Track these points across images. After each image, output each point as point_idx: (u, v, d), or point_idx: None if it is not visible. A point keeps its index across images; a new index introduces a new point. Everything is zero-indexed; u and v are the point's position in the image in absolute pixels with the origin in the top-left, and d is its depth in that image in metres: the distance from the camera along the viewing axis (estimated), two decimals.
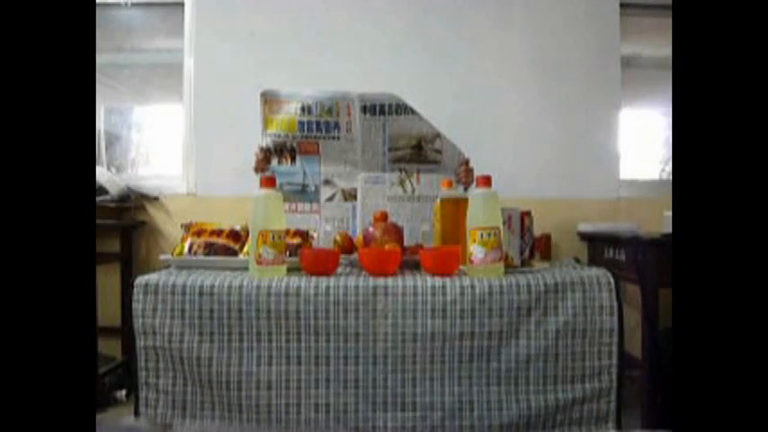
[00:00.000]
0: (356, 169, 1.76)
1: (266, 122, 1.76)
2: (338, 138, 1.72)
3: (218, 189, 2.35)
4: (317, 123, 1.71)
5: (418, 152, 1.76)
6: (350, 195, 1.76)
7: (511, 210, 1.36)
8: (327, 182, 1.76)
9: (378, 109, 1.70)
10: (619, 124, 2.42)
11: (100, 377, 2.01)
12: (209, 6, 2.39)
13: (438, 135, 1.75)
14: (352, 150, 1.74)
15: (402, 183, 1.77)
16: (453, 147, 1.76)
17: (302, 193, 1.76)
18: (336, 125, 1.71)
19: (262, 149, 1.74)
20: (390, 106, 1.71)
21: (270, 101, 1.74)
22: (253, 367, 1.17)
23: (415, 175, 1.77)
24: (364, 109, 1.69)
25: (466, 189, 1.74)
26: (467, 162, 1.76)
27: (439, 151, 1.76)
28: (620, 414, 1.21)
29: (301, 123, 1.71)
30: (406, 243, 1.56)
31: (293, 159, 1.76)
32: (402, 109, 1.71)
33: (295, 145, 1.75)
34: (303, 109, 1.71)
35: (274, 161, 1.76)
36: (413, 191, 1.77)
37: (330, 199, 1.77)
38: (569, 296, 1.21)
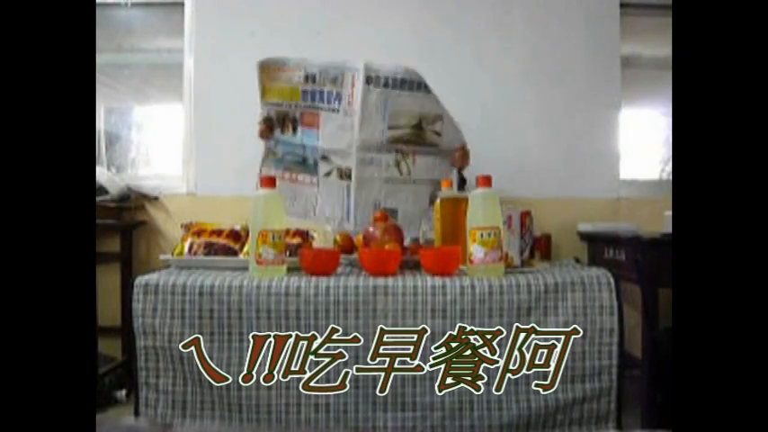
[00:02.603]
0: (352, 148, 1.65)
1: (264, 92, 1.69)
2: (338, 111, 1.63)
3: (218, 189, 2.35)
4: (320, 93, 1.64)
5: (418, 132, 1.68)
6: (345, 174, 1.67)
7: (511, 210, 1.36)
8: (324, 158, 1.68)
9: (383, 81, 1.61)
10: (619, 124, 2.42)
11: (100, 377, 2.00)
12: (209, 6, 2.39)
13: (441, 116, 1.66)
14: (350, 128, 1.64)
15: (398, 164, 1.70)
16: (455, 131, 1.69)
17: (303, 165, 1.70)
18: (338, 96, 1.63)
19: (264, 119, 1.68)
20: (395, 80, 1.61)
21: (271, 68, 1.67)
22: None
23: (411, 156, 1.70)
24: (369, 80, 1.60)
25: (460, 171, 1.69)
26: (463, 146, 1.71)
27: (439, 134, 1.68)
28: (620, 414, 1.21)
29: (305, 92, 1.65)
30: (401, 230, 1.53)
31: (294, 130, 1.69)
32: (408, 84, 1.62)
33: (297, 115, 1.67)
34: (307, 78, 1.63)
35: (277, 131, 1.70)
36: (408, 173, 1.70)
37: (327, 174, 1.69)
38: (569, 296, 1.21)
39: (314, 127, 1.66)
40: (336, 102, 1.64)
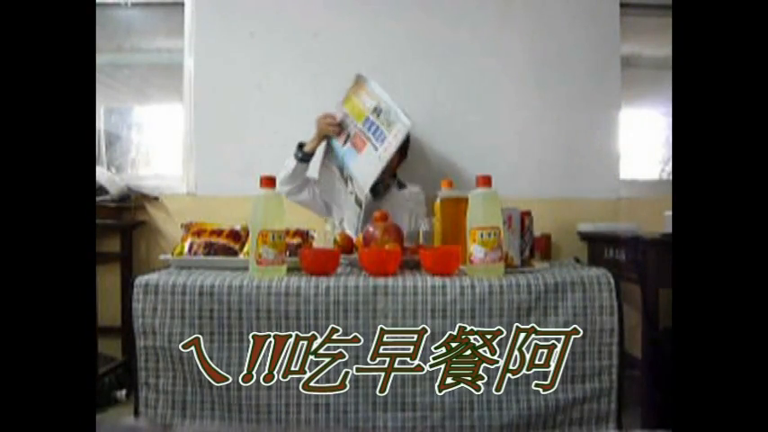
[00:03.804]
0: (367, 187, 1.77)
1: (346, 99, 1.84)
2: (377, 150, 1.75)
3: (218, 189, 2.35)
4: (377, 128, 1.76)
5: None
6: (359, 203, 1.82)
7: (511, 210, 1.36)
8: (351, 179, 1.81)
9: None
10: (619, 124, 2.42)
11: (100, 377, 2.00)
12: (209, 6, 2.39)
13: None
14: (374, 171, 1.75)
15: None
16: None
17: (341, 170, 1.87)
18: (384, 139, 1.75)
19: (328, 115, 1.85)
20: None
21: (360, 83, 1.83)
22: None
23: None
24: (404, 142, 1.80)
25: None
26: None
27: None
28: (620, 414, 1.21)
29: (367, 120, 1.78)
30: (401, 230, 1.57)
31: (345, 143, 1.84)
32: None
33: (352, 133, 1.81)
34: (376, 109, 1.77)
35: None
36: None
37: (351, 193, 1.84)
38: (569, 296, 1.21)
39: (358, 150, 1.80)
40: (380, 142, 1.76)
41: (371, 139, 1.76)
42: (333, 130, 1.85)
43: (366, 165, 1.77)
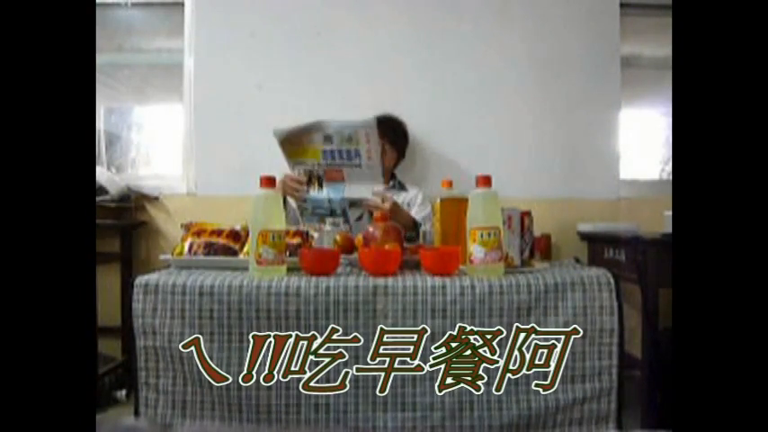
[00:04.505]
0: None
1: (290, 155, 1.71)
2: (360, 166, 1.67)
3: (218, 189, 2.36)
4: (339, 151, 1.67)
5: None
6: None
7: (511, 210, 1.36)
8: (353, 204, 1.72)
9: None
10: (619, 124, 2.42)
11: (100, 377, 2.01)
12: (209, 6, 2.39)
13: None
14: (374, 179, 1.69)
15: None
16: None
17: (331, 216, 1.74)
18: (357, 153, 1.66)
19: (294, 179, 1.69)
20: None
21: (288, 140, 1.68)
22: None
23: None
24: (381, 135, 1.67)
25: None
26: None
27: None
28: (620, 414, 1.21)
29: (325, 152, 1.67)
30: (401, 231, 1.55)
31: (320, 185, 1.72)
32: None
33: (321, 173, 1.71)
34: (326, 138, 1.66)
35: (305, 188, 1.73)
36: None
37: (359, 219, 1.75)
38: (569, 296, 1.21)
39: (339, 181, 1.70)
40: (357, 158, 1.67)
41: (344, 163, 1.67)
42: (298, 196, 1.71)
43: (363, 180, 1.69)
